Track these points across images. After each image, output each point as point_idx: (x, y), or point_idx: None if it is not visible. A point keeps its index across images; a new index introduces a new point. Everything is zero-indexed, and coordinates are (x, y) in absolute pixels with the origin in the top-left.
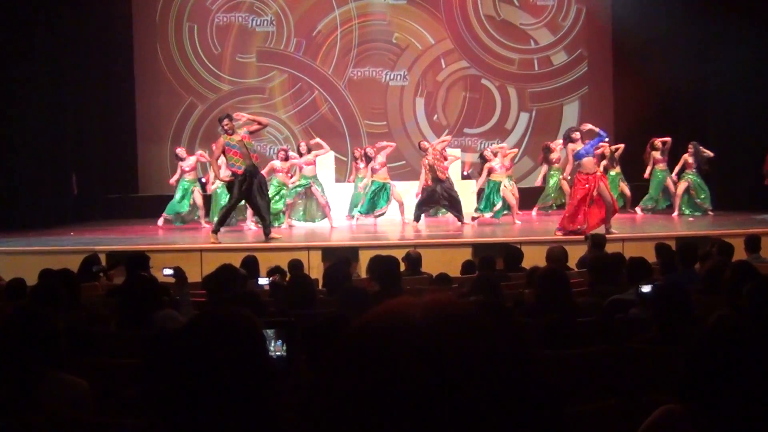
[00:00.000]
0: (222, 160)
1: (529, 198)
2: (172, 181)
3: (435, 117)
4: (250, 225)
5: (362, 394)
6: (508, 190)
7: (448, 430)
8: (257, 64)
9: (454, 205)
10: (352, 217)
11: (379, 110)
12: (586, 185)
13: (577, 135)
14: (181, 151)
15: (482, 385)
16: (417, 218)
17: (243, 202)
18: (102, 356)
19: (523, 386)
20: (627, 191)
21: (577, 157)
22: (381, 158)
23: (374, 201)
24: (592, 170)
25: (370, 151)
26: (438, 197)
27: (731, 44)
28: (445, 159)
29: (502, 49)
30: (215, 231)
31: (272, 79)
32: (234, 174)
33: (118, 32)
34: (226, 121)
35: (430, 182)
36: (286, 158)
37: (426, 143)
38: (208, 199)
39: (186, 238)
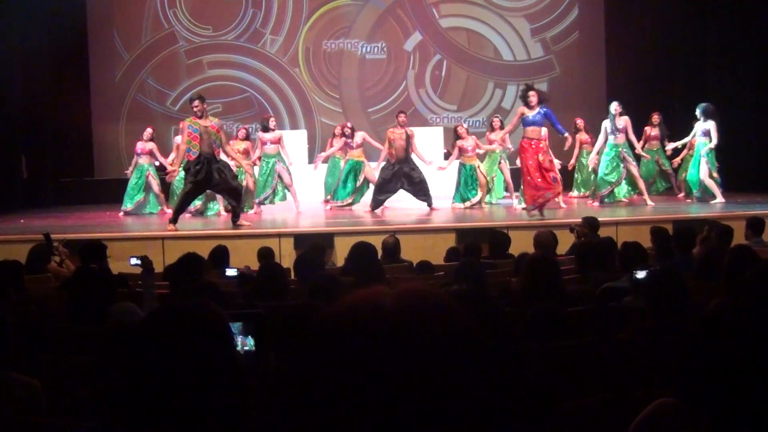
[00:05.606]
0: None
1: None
2: (129, 171)
3: (416, 93)
4: (222, 211)
5: (327, 385)
6: (484, 170)
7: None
8: (220, 36)
9: (419, 188)
10: (327, 201)
11: (353, 84)
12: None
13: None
14: (148, 132)
15: (454, 377)
16: (375, 207)
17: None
18: (55, 353)
19: (502, 379)
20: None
21: (526, 123)
22: (358, 139)
23: (346, 184)
24: (536, 137)
25: (349, 127)
26: (398, 179)
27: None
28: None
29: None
30: (172, 221)
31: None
32: (186, 161)
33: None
34: (196, 103)
35: (390, 158)
36: (247, 137)
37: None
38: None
39: (147, 225)
